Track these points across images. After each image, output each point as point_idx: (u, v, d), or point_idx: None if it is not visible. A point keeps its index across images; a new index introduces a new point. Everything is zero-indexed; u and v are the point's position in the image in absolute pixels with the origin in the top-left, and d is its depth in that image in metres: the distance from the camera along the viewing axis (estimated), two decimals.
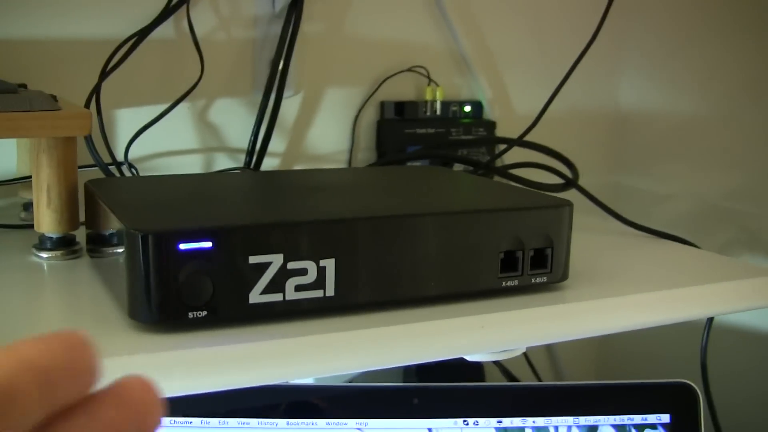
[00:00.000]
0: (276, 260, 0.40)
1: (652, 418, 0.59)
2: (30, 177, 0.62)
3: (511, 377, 0.82)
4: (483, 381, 0.76)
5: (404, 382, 0.77)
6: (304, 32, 0.73)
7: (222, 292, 0.39)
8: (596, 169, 0.91)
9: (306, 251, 0.41)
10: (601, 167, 0.93)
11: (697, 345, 0.69)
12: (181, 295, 0.39)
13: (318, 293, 0.41)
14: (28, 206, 0.63)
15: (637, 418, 0.59)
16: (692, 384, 0.60)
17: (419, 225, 0.43)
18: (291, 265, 0.41)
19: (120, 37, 0.67)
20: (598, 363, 0.98)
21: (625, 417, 0.59)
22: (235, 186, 0.54)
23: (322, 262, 0.41)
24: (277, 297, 0.41)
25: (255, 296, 0.40)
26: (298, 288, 0.41)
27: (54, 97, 0.54)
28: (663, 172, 0.89)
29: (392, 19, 0.79)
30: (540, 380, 0.86)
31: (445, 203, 0.48)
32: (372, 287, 0.43)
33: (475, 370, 0.76)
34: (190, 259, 0.39)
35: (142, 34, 0.67)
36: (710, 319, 0.66)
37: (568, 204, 0.48)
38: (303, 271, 0.41)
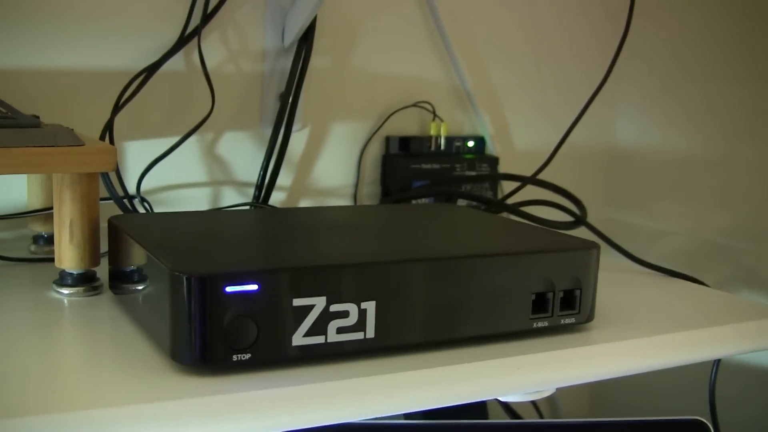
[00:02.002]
0: (319, 303, 0.40)
1: None
2: (40, 210, 0.61)
3: (514, 414, 0.82)
4: (486, 418, 0.76)
5: (405, 419, 0.77)
6: (311, 66, 0.74)
7: (266, 334, 0.39)
8: (593, 205, 0.92)
9: (348, 294, 0.41)
10: (598, 203, 0.95)
11: (689, 380, 0.70)
12: (225, 337, 0.38)
13: (359, 335, 0.41)
14: (37, 239, 0.62)
15: None
16: (705, 421, 0.60)
17: (458, 268, 0.43)
18: (333, 308, 0.40)
19: (130, 69, 0.67)
20: (590, 399, 0.98)
21: None
22: (263, 225, 0.53)
23: (363, 305, 0.41)
24: (319, 339, 0.40)
25: (298, 339, 0.40)
26: (340, 330, 0.41)
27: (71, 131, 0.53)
28: (659, 208, 0.91)
29: (398, 55, 0.80)
30: (542, 417, 0.86)
31: (479, 246, 0.48)
32: (411, 329, 0.43)
33: (480, 406, 0.76)
34: (235, 301, 0.38)
35: (154, 67, 0.67)
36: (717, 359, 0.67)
37: (596, 246, 0.48)
38: (345, 314, 0.41)
